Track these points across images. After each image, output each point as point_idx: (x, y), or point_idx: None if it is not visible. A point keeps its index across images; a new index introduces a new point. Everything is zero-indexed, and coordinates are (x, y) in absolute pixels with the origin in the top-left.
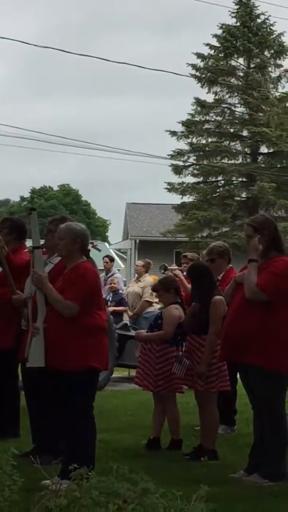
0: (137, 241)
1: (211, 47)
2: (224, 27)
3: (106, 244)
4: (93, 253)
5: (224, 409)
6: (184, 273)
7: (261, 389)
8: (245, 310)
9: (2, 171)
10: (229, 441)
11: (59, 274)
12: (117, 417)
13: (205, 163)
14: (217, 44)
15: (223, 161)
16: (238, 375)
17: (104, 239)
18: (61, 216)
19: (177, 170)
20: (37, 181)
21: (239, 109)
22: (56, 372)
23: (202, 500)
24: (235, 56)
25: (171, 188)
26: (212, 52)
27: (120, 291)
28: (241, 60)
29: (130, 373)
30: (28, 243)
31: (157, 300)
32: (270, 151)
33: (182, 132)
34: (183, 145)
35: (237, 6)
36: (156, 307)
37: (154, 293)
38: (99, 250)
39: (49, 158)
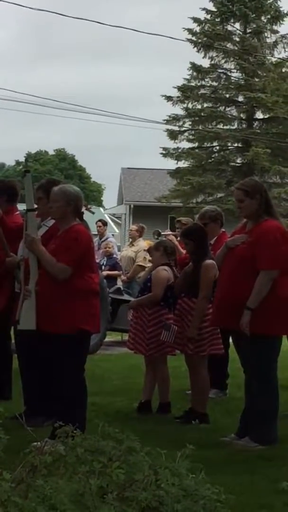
0: (132, 206)
1: (208, 11)
2: None
3: (101, 209)
4: (87, 217)
5: (216, 373)
6: (178, 238)
7: (252, 354)
8: (237, 275)
9: None
10: (220, 405)
11: (53, 237)
12: (109, 381)
13: (200, 128)
14: (213, 9)
15: (218, 126)
16: (230, 340)
17: (99, 204)
18: (47, 180)
19: (173, 135)
20: (33, 146)
21: (235, 75)
22: (48, 334)
23: (187, 458)
24: (232, 21)
25: (166, 153)
26: (208, 16)
27: (114, 256)
28: (237, 25)
29: (123, 337)
30: (20, 206)
31: (150, 264)
32: (265, 116)
33: (177, 97)
34: (178, 110)
35: None
36: None
37: (148, 258)
38: (93, 213)
39: (45, 122)
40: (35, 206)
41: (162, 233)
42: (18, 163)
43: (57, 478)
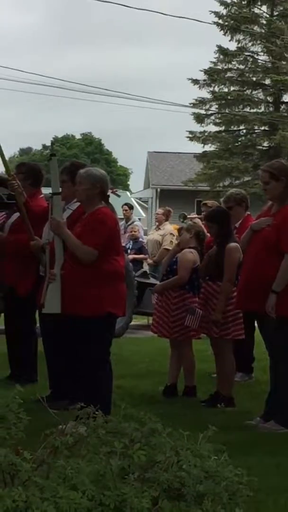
0: (158, 190)
1: None
2: None
3: (128, 193)
4: (113, 201)
5: (241, 356)
6: (204, 222)
7: (276, 337)
8: (261, 258)
9: (24, 119)
10: (246, 389)
11: (78, 220)
12: (134, 364)
13: (227, 111)
14: None
15: (245, 109)
16: (256, 323)
17: (126, 188)
18: (71, 163)
19: (199, 119)
20: (60, 130)
21: (262, 57)
22: (73, 318)
23: (210, 440)
24: (258, 3)
25: (193, 137)
26: None
27: (140, 239)
28: (264, 8)
29: (149, 320)
30: (44, 190)
31: None
32: None
33: (204, 80)
34: (205, 93)
35: None
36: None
37: (174, 241)
38: (119, 196)
39: (72, 106)
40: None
41: (188, 216)
42: (44, 147)
43: (78, 459)
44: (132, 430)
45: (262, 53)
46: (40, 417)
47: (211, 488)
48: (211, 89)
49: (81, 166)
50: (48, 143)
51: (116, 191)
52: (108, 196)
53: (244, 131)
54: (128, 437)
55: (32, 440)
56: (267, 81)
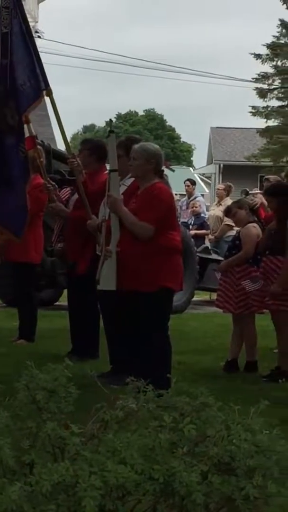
0: (221, 165)
1: None
2: None
3: (191, 169)
4: (174, 176)
5: None
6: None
7: None
8: None
9: (88, 96)
10: None
11: (132, 196)
12: (196, 340)
13: None
14: None
15: None
16: None
17: (189, 164)
18: (127, 138)
19: (262, 93)
20: (123, 107)
21: None
22: (131, 293)
23: (263, 415)
24: None
25: (256, 112)
26: None
27: (202, 215)
28: None
29: (211, 296)
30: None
31: None
32: None
33: (267, 55)
34: (268, 68)
35: None
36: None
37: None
38: (173, 171)
39: (135, 83)
40: None
41: (250, 192)
42: (107, 124)
43: (127, 433)
44: (183, 404)
45: None
46: (93, 392)
47: (261, 463)
48: (274, 63)
49: (136, 141)
50: (112, 120)
51: (170, 165)
52: (163, 171)
53: None
54: (179, 411)
55: (83, 415)
56: None
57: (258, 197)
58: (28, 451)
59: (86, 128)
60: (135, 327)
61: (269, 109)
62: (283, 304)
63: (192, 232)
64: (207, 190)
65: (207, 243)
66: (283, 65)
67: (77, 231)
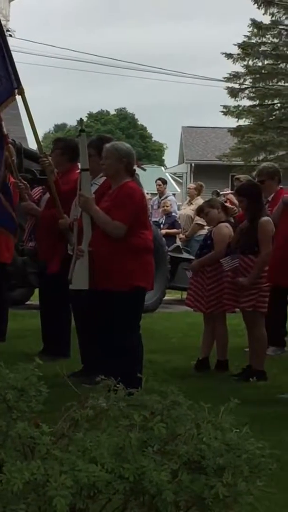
0: (193, 165)
1: None
2: None
3: (162, 168)
4: (146, 176)
5: (274, 330)
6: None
7: None
8: None
9: (59, 96)
10: (278, 363)
11: (104, 195)
12: (167, 339)
13: (261, 86)
14: None
15: (279, 83)
16: None
17: (160, 163)
18: (98, 137)
19: (233, 93)
20: (94, 106)
21: None
22: (103, 293)
23: (233, 414)
24: None
25: (227, 111)
26: None
27: (173, 214)
28: None
29: (182, 295)
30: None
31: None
32: None
33: (238, 54)
34: (239, 67)
35: None
36: None
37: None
38: (145, 170)
39: (106, 82)
40: None
41: (221, 192)
42: (79, 123)
43: (98, 432)
44: (153, 402)
45: None
46: (64, 391)
47: (231, 461)
48: (245, 63)
49: (107, 140)
50: (83, 119)
51: (142, 164)
52: (134, 170)
53: (279, 105)
54: (149, 409)
55: (53, 414)
56: None
57: (229, 197)
58: None
59: (58, 127)
60: (106, 327)
61: (240, 108)
62: (257, 304)
63: (163, 231)
64: (178, 190)
65: (178, 242)
66: (254, 64)
67: (48, 230)
